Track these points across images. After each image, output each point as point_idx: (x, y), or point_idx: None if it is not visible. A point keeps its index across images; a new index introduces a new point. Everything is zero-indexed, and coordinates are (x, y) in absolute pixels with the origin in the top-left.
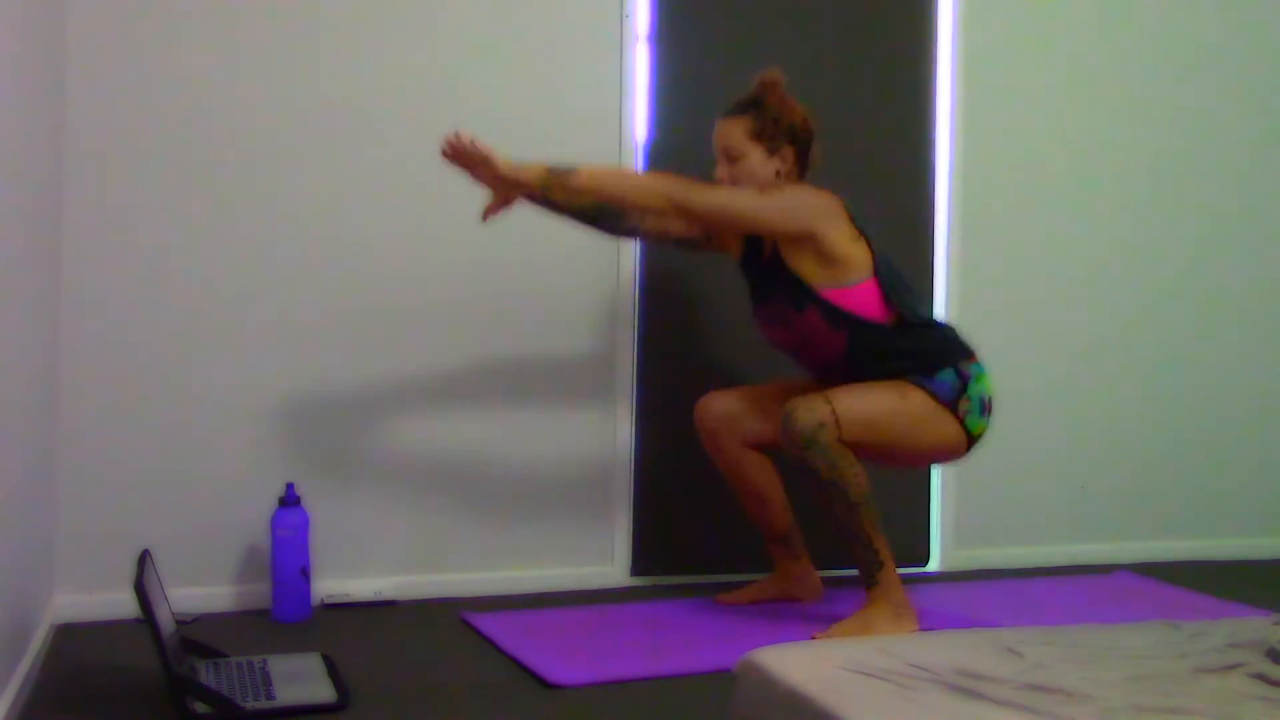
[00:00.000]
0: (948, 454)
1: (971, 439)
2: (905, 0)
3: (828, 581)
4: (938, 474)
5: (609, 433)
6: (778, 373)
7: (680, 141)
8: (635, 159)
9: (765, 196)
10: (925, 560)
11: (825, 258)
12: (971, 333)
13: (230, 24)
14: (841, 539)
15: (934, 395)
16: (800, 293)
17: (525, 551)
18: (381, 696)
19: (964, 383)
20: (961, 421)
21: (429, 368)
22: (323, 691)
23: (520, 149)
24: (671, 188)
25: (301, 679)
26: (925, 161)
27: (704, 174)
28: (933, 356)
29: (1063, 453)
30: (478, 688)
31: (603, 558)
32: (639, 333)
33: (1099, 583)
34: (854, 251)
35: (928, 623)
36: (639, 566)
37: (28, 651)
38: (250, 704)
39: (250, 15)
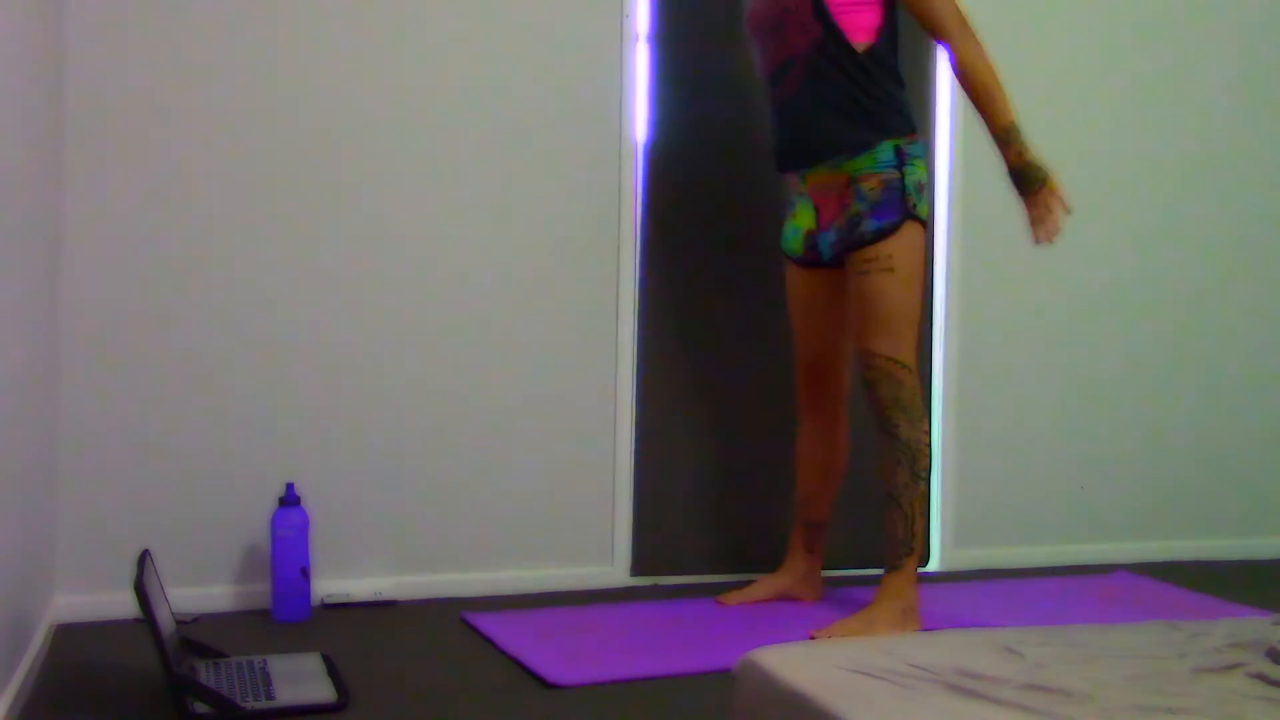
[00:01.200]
0: (924, 251)
1: (924, 225)
2: None
3: (828, 581)
4: (938, 474)
5: (609, 433)
6: (780, 370)
7: (680, 141)
8: (635, 159)
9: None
10: (925, 560)
11: None
12: (971, 333)
13: (230, 25)
14: (888, 508)
15: (890, 229)
16: None
17: (525, 551)
18: (381, 696)
19: (901, 163)
20: (916, 218)
21: (430, 367)
22: (323, 691)
23: (520, 148)
24: (979, 48)
25: (301, 679)
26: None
27: (701, 179)
28: (879, 116)
29: (1063, 453)
30: (478, 688)
31: (603, 558)
32: (640, 332)
33: (1099, 583)
34: None
35: (928, 623)
36: (639, 566)
37: (28, 651)
38: (250, 704)
39: (250, 15)
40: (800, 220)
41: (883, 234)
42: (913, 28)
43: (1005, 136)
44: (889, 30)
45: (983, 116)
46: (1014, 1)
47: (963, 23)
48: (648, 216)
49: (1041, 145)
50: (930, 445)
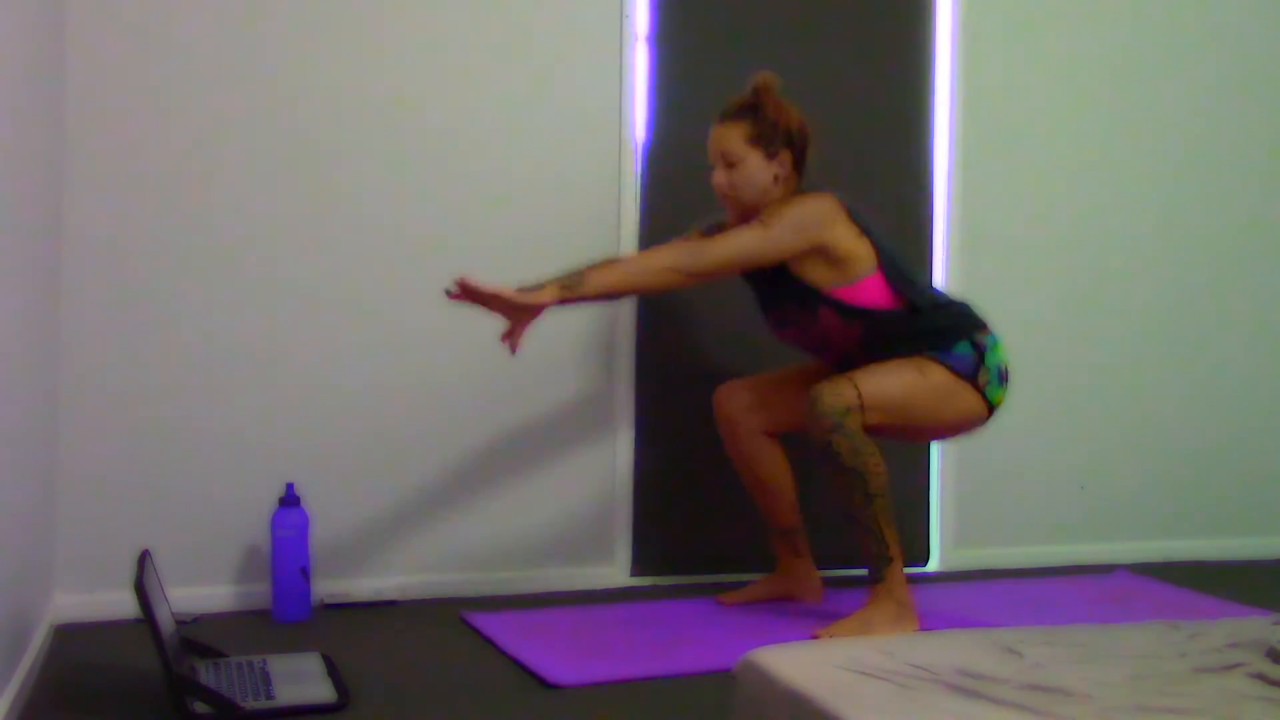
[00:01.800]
0: (969, 426)
1: (991, 409)
2: None
3: (828, 581)
4: (937, 474)
5: (609, 433)
6: (778, 365)
7: (680, 141)
8: (635, 159)
9: (768, 228)
10: (925, 560)
11: (831, 260)
12: None
13: (231, 24)
14: (854, 530)
15: (952, 369)
16: (809, 296)
17: (525, 551)
18: (381, 696)
19: (980, 354)
20: (981, 392)
21: (429, 367)
22: (323, 691)
23: (520, 149)
24: (678, 259)
25: (301, 679)
26: (924, 161)
27: (700, 179)
28: (947, 332)
29: (1063, 453)
30: (478, 688)
31: (603, 558)
32: (639, 332)
33: (1099, 583)
34: (857, 248)
35: (928, 623)
36: (639, 566)
37: (28, 651)
38: (250, 704)
39: (251, 15)
40: None
41: (943, 364)
42: (906, 34)
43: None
44: (893, 276)
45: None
46: (1013, 2)
47: (762, 229)
48: (648, 217)
49: (1039, 146)
50: (881, 465)
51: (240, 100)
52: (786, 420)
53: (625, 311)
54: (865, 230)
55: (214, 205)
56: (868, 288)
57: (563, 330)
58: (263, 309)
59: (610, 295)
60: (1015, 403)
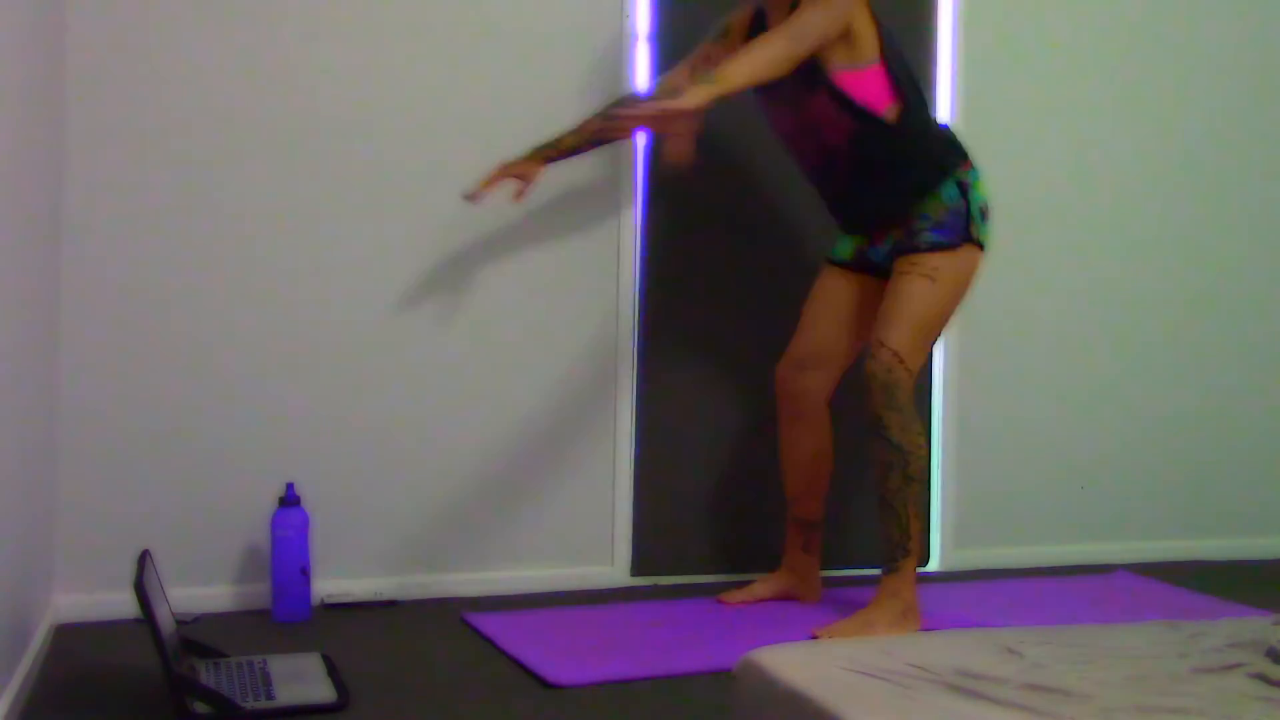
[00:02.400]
0: (974, 279)
1: (983, 249)
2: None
3: (828, 581)
4: (938, 474)
5: (609, 433)
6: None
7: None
8: (635, 158)
9: (799, 22)
10: (925, 560)
11: (843, 36)
12: (971, 333)
13: (232, 23)
14: (881, 512)
15: (949, 246)
16: (813, 72)
17: (525, 551)
18: (381, 696)
19: (965, 195)
20: (976, 241)
21: (429, 367)
22: (323, 691)
23: (520, 148)
24: (739, 74)
25: (301, 679)
26: None
27: (701, 179)
28: (933, 163)
29: (1063, 453)
30: (478, 688)
31: (603, 558)
32: (639, 332)
33: (1099, 583)
34: (866, 32)
35: (928, 623)
36: (639, 566)
37: (28, 651)
38: (250, 704)
39: (251, 15)
40: (856, 239)
41: (938, 247)
42: (907, 32)
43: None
44: (898, 78)
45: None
46: (1012, 3)
47: (797, 24)
48: (648, 217)
49: (1039, 147)
50: (926, 449)
51: (240, 100)
52: (843, 359)
53: (626, 310)
54: (876, 20)
55: (215, 205)
56: (869, 79)
57: (563, 330)
58: (263, 309)
59: (740, 89)
60: (1016, 403)
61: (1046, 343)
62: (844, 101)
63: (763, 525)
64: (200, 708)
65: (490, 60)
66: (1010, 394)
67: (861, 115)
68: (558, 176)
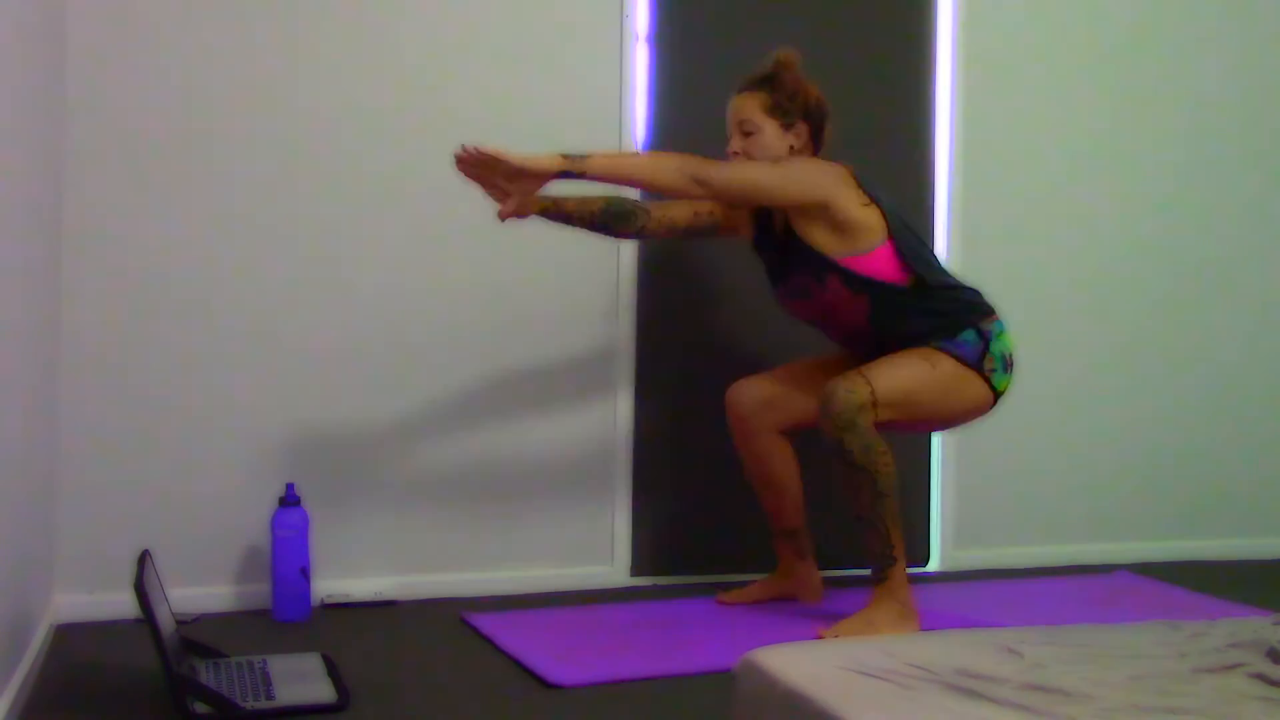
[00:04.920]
0: (976, 414)
1: (997, 396)
2: None
3: (828, 581)
4: (938, 474)
5: (609, 432)
6: (779, 363)
7: (680, 141)
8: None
9: (780, 167)
10: (925, 560)
11: (838, 226)
12: None
13: (232, 25)
14: (860, 529)
15: (960, 359)
16: (818, 264)
17: (525, 551)
18: (381, 696)
19: (985, 341)
20: (987, 380)
21: (429, 368)
22: (323, 691)
23: (520, 148)
24: (687, 164)
25: (301, 679)
26: (925, 160)
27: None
28: (954, 317)
29: (1063, 453)
30: (478, 688)
31: (603, 558)
32: (637, 332)
33: (1099, 583)
34: (866, 217)
35: (928, 623)
36: (639, 566)
37: (28, 651)
38: (250, 704)
39: (251, 16)
40: None
41: (949, 351)
42: (907, 37)
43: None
44: (906, 254)
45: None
46: (1012, 3)
47: (773, 167)
48: None
49: (1039, 145)
50: (890, 464)
51: (240, 99)
52: (799, 417)
53: (626, 310)
54: (875, 200)
55: (215, 205)
56: (876, 259)
57: (563, 330)
58: (263, 310)
59: (614, 178)
60: (1016, 403)
61: (1046, 343)
62: (855, 281)
63: (762, 525)
64: (200, 708)
65: (490, 60)
66: (1010, 394)
67: (875, 287)
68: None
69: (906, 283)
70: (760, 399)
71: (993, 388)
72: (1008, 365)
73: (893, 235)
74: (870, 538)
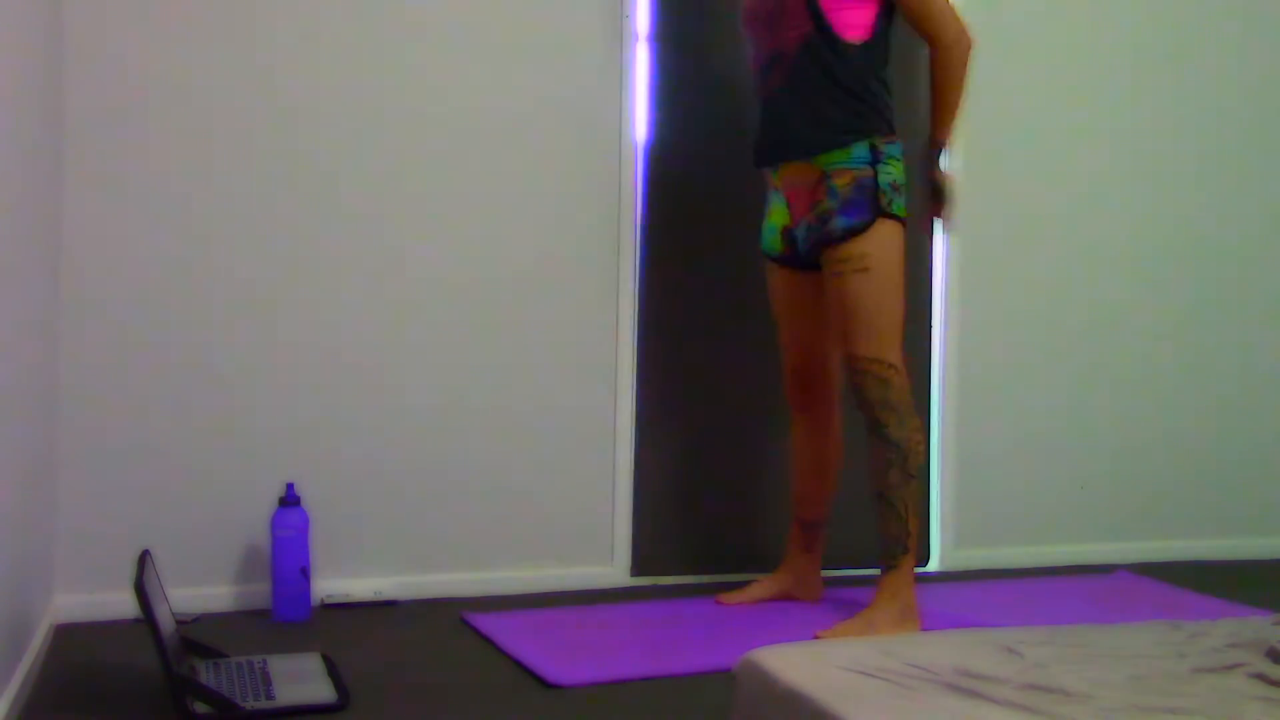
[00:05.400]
0: (902, 247)
1: (900, 221)
2: None
3: (828, 581)
4: (938, 474)
5: (609, 433)
6: (780, 370)
7: (680, 141)
8: (635, 159)
9: None
10: (925, 560)
11: None
12: (971, 333)
13: (231, 25)
14: (879, 508)
15: (862, 227)
16: None
17: (525, 551)
18: (381, 696)
19: (874, 162)
20: (894, 217)
21: (430, 367)
22: (323, 691)
23: (520, 148)
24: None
25: (301, 679)
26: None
27: (701, 179)
28: (863, 117)
29: (1063, 453)
30: (478, 688)
31: (603, 558)
32: (640, 332)
33: (1099, 583)
34: None
35: (928, 623)
36: (639, 566)
37: (28, 651)
38: (250, 704)
39: (250, 15)
40: (775, 218)
41: (853, 232)
42: (903, 32)
43: (941, 150)
44: (882, 30)
45: (939, 121)
46: (1011, 4)
47: (961, 28)
48: (647, 216)
49: (1045, 146)
50: (923, 443)
51: (239, 103)
52: (830, 345)
53: (626, 310)
54: None
55: (214, 207)
56: (858, 6)
57: (563, 330)
58: (263, 310)
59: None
60: (1016, 403)
61: (1046, 343)
62: (811, 2)
63: (762, 525)
64: (200, 708)
65: (489, 61)
66: (1010, 394)
67: (821, 24)
68: (557, 174)
69: (853, 41)
70: (805, 370)
71: (899, 219)
72: (896, 189)
73: (884, 5)
74: (888, 519)
